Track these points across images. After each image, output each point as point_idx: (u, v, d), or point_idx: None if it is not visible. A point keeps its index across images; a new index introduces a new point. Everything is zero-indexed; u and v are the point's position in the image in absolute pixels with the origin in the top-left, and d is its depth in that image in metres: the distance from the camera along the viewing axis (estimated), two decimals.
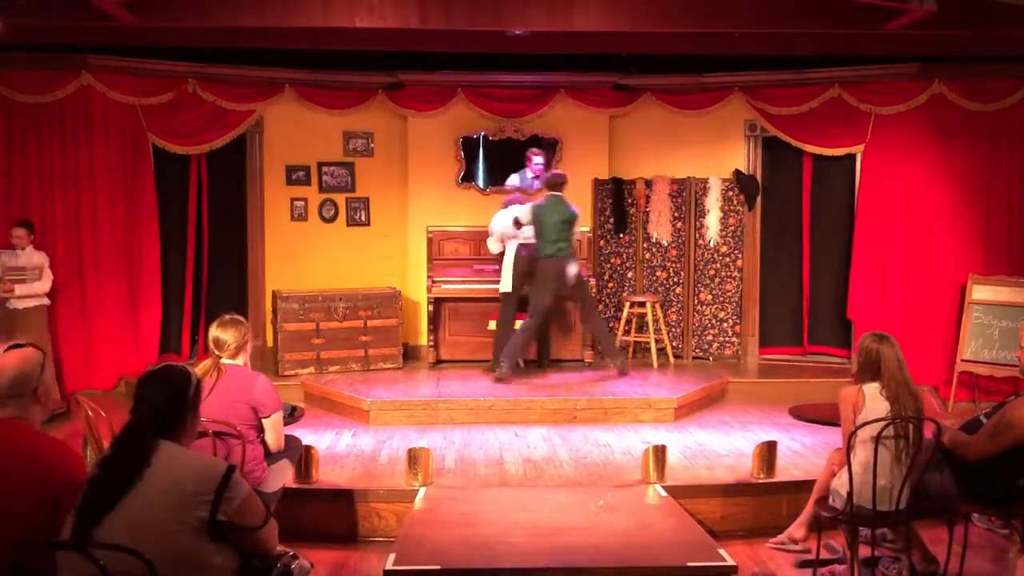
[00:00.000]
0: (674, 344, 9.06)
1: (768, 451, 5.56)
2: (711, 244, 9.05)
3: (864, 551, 4.54)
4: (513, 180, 8.71)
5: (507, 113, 8.96)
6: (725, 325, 9.07)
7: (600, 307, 8.74)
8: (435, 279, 8.52)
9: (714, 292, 9.08)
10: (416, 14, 6.56)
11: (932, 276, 8.22)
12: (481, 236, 8.57)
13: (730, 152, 9.10)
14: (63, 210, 8.01)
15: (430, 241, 8.68)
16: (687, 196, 9.07)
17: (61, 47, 7.71)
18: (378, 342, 8.42)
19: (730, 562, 4.15)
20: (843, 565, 4.60)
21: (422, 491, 5.26)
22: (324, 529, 5.21)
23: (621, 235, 9.19)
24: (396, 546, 4.40)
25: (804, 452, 6.17)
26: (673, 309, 9.16)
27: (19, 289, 7.26)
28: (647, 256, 9.21)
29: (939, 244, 8.22)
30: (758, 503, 5.42)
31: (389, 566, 4.08)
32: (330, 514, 5.27)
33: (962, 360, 7.82)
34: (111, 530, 2.60)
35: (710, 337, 9.11)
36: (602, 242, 9.20)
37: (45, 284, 7.43)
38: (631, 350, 8.93)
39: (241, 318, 4.61)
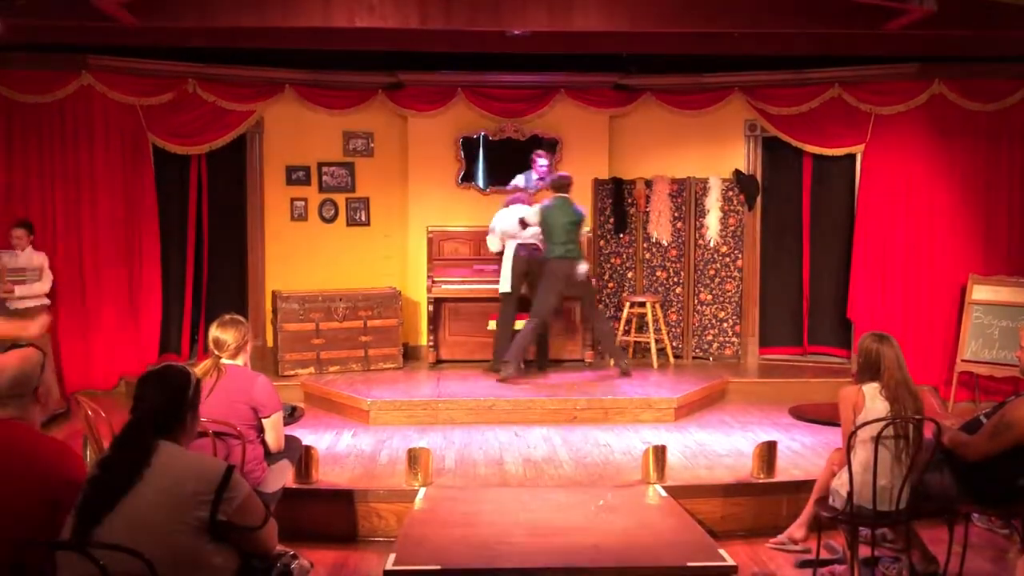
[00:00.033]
0: (674, 344, 9.06)
1: (768, 451, 5.55)
2: (711, 244, 9.05)
3: (864, 551, 4.54)
4: (518, 181, 8.72)
5: (507, 113, 8.96)
6: (725, 325, 9.08)
7: (600, 307, 8.73)
8: (435, 279, 8.52)
9: (714, 292, 9.09)
10: (416, 14, 6.56)
11: (932, 276, 8.22)
12: (481, 236, 8.57)
13: (730, 152, 9.10)
14: (63, 210, 8.01)
15: (430, 241, 8.68)
16: (687, 196, 9.07)
17: (61, 47, 7.71)
18: (378, 342, 8.42)
19: (730, 562, 4.15)
20: (843, 565, 4.60)
21: (422, 491, 5.26)
22: (324, 529, 5.21)
23: (621, 235, 9.19)
24: (396, 546, 4.40)
25: (804, 452, 6.17)
26: (673, 309, 9.16)
27: (19, 290, 7.25)
28: (647, 256, 9.21)
29: (939, 244, 8.22)
30: (758, 503, 5.42)
31: (389, 566, 4.09)
32: (330, 514, 5.27)
33: (962, 360, 7.82)
34: (111, 530, 2.60)
35: (710, 337, 9.11)
36: (602, 242, 9.20)
37: (45, 285, 7.44)
38: (631, 350, 8.93)
39: (241, 318, 4.61)
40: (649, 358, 8.67)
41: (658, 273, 9.19)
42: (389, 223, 9.24)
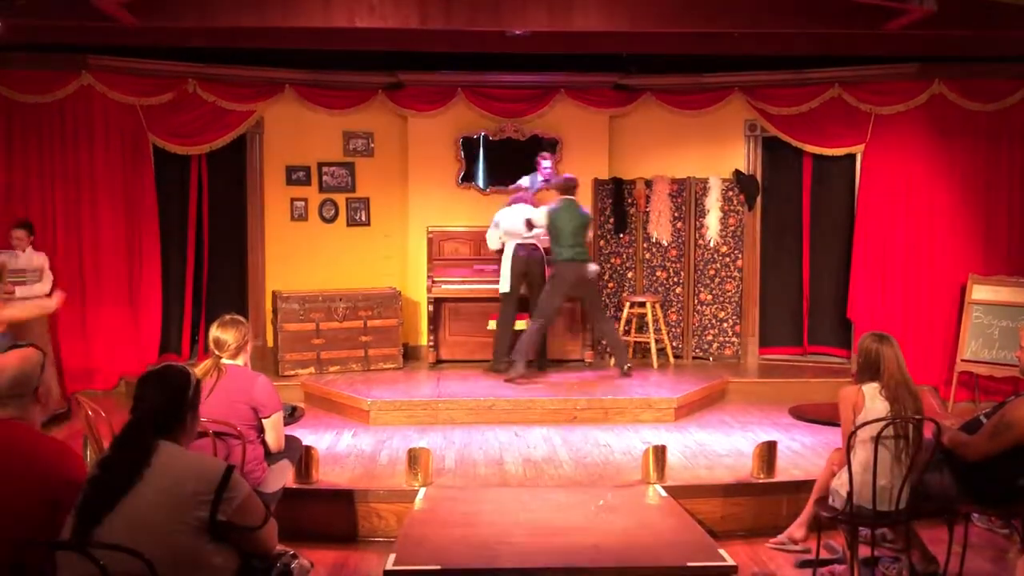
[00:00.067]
0: (674, 344, 9.06)
1: (768, 451, 5.56)
2: (711, 244, 9.05)
3: (864, 551, 4.54)
4: (523, 182, 8.77)
5: (507, 113, 8.96)
6: (725, 325, 9.08)
7: (603, 307, 8.73)
8: (435, 279, 8.52)
9: (714, 292, 9.09)
10: (416, 14, 6.56)
11: (932, 276, 8.22)
12: (481, 236, 8.57)
13: (730, 152, 9.11)
14: (63, 210, 8.01)
15: (430, 241, 8.68)
16: (687, 196, 9.07)
17: (61, 47, 7.71)
18: (378, 342, 8.42)
19: (730, 562, 4.15)
20: (843, 565, 4.60)
21: (422, 491, 5.26)
22: (324, 529, 5.21)
23: (621, 235, 9.19)
24: (396, 546, 4.40)
25: (804, 452, 6.17)
26: (673, 309, 9.16)
27: (20, 291, 7.24)
28: (647, 256, 9.21)
29: (939, 244, 8.22)
30: (758, 503, 5.42)
31: (389, 566, 4.09)
32: (330, 514, 5.27)
33: (962, 360, 7.82)
34: (111, 530, 2.60)
35: (710, 337, 9.11)
36: (602, 242, 9.20)
37: (45, 286, 7.43)
38: (631, 350, 8.92)
39: (241, 318, 4.61)
40: (649, 358, 8.68)
41: (658, 273, 9.19)
42: (389, 223, 9.24)
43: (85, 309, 8.02)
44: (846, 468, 4.24)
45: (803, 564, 4.79)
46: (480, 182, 9.10)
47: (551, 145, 9.05)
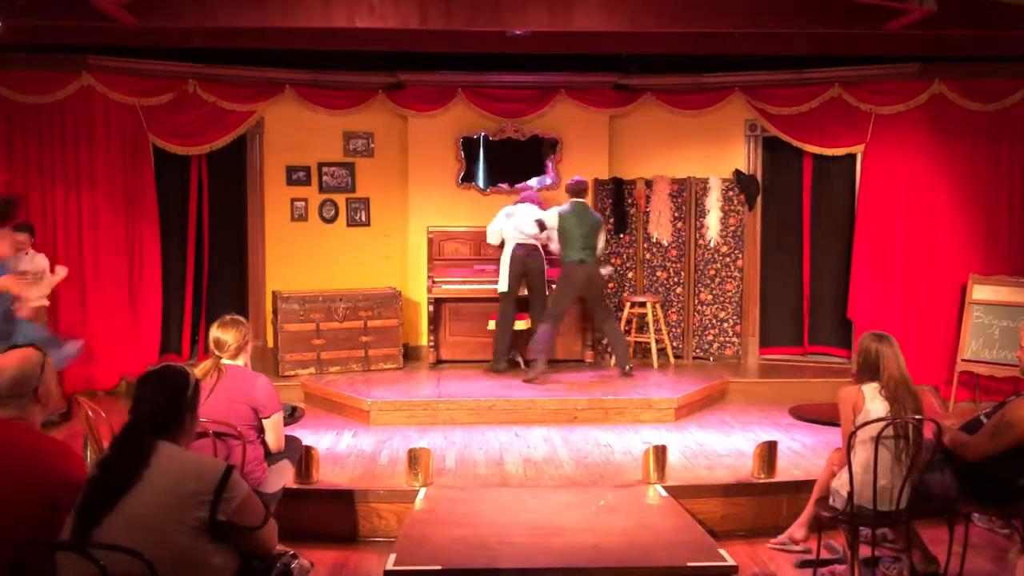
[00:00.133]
0: (674, 344, 9.06)
1: (768, 451, 5.55)
2: (711, 244, 9.05)
3: (864, 551, 4.54)
4: (532, 183, 8.83)
5: (507, 113, 8.96)
6: (725, 325, 9.08)
7: (609, 308, 8.73)
8: (435, 279, 8.52)
9: (714, 292, 9.09)
10: (416, 14, 6.56)
11: (932, 276, 8.22)
12: (481, 236, 8.57)
13: (730, 152, 9.11)
14: (63, 210, 8.01)
15: (430, 241, 8.68)
16: (687, 196, 9.07)
17: (61, 47, 7.70)
18: (378, 342, 8.42)
19: (730, 562, 4.15)
20: (843, 565, 4.60)
21: (422, 491, 5.26)
22: (324, 529, 5.21)
23: (621, 235, 9.19)
24: (396, 546, 4.40)
25: (804, 452, 6.17)
26: (673, 309, 9.16)
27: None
28: (647, 256, 9.21)
29: (939, 244, 8.22)
30: (758, 503, 5.42)
31: (389, 566, 4.09)
32: (330, 514, 5.27)
33: (962, 360, 7.82)
34: (111, 530, 2.60)
35: (710, 337, 9.11)
36: None
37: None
38: (632, 350, 8.92)
39: (241, 319, 4.61)
40: (649, 358, 8.67)
41: (658, 273, 9.19)
42: (389, 223, 9.25)
43: (85, 309, 8.02)
44: (846, 468, 4.23)
45: (803, 564, 4.79)
46: (480, 182, 9.10)
47: (551, 145, 9.06)
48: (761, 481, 5.50)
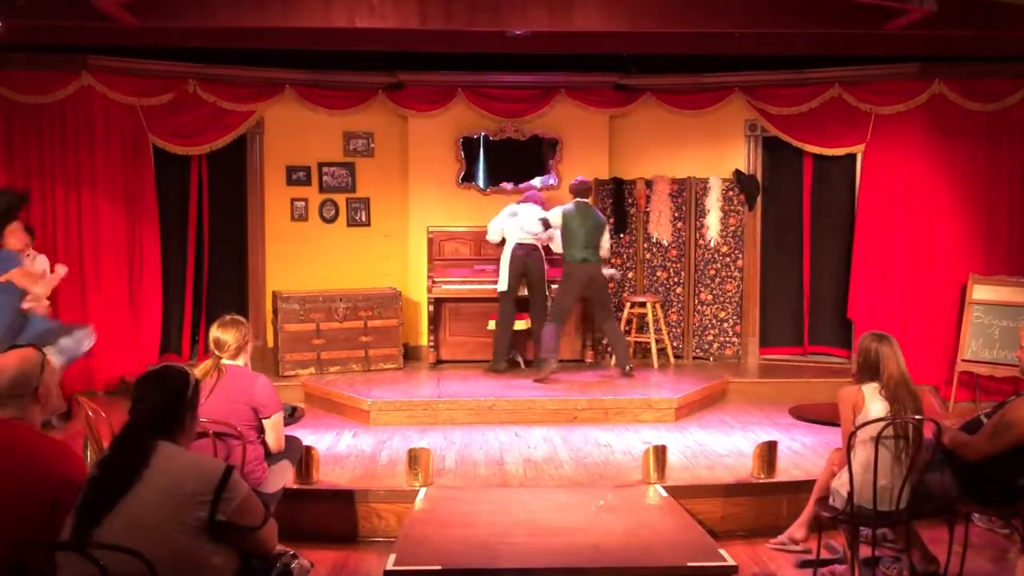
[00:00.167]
0: (674, 344, 9.06)
1: (768, 451, 5.55)
2: (711, 244, 9.04)
3: (865, 551, 4.54)
4: (535, 182, 8.83)
5: (507, 113, 8.96)
6: (725, 325, 9.08)
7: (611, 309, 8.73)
8: (435, 279, 8.52)
9: (714, 292, 9.08)
10: (416, 14, 6.56)
11: (932, 276, 8.22)
12: (481, 236, 8.57)
13: (730, 152, 9.11)
14: (63, 211, 8.01)
15: (430, 241, 8.68)
16: (687, 196, 9.07)
17: (61, 47, 7.70)
18: (378, 342, 8.42)
19: (730, 562, 4.15)
20: (844, 565, 4.60)
21: (422, 491, 5.26)
22: (324, 529, 5.21)
23: (621, 235, 9.19)
24: (396, 546, 4.40)
25: (804, 452, 6.17)
26: (673, 309, 9.16)
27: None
28: (647, 256, 9.21)
29: (939, 244, 8.22)
30: (758, 503, 5.42)
31: (389, 566, 4.09)
32: (330, 514, 5.27)
33: (962, 360, 7.82)
34: (111, 530, 2.60)
35: (710, 337, 9.11)
36: None
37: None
38: (632, 350, 8.92)
39: (241, 319, 4.61)
40: (649, 358, 8.67)
41: (658, 273, 9.19)
42: (389, 223, 9.25)
43: (86, 309, 8.01)
44: (846, 468, 4.23)
45: (804, 564, 4.79)
46: (480, 182, 9.10)
47: (551, 145, 9.06)
48: (761, 481, 5.50)
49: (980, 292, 7.83)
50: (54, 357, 6.53)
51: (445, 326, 8.69)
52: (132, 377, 6.77)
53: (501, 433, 6.79)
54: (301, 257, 9.03)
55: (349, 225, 9.21)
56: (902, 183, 8.31)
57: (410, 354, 8.83)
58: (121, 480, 2.68)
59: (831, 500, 4.40)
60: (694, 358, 9.10)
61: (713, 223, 9.02)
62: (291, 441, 4.88)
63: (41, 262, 7.44)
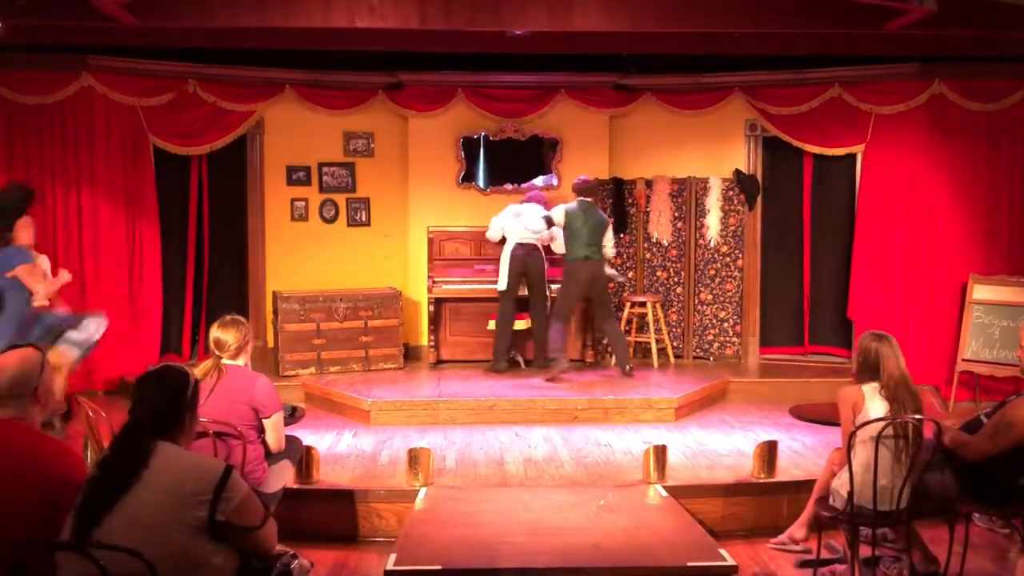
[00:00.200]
0: (675, 344, 9.06)
1: (769, 451, 5.55)
2: (711, 244, 9.04)
3: (865, 551, 4.54)
4: (537, 182, 8.84)
5: (507, 113, 8.96)
6: (726, 325, 9.07)
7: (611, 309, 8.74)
8: (436, 279, 8.52)
9: (714, 292, 9.08)
10: (416, 14, 6.56)
11: (932, 276, 8.22)
12: (482, 236, 8.58)
13: (730, 152, 9.10)
14: (63, 211, 8.01)
15: (431, 241, 8.68)
16: (687, 196, 9.07)
17: (61, 47, 7.70)
18: (379, 342, 8.43)
19: (731, 562, 4.15)
20: (844, 565, 4.60)
21: (423, 491, 5.26)
22: (324, 529, 5.21)
23: (621, 235, 9.18)
24: (397, 546, 4.40)
25: (805, 452, 6.17)
26: (674, 309, 9.16)
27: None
28: (647, 256, 9.21)
29: (939, 244, 8.22)
30: (759, 503, 5.42)
31: (390, 566, 4.09)
32: (330, 514, 5.27)
33: (963, 360, 7.82)
34: (110, 530, 2.61)
35: (711, 337, 9.11)
36: None
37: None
38: (632, 350, 8.92)
39: (242, 319, 4.61)
40: (650, 358, 8.67)
41: (658, 273, 9.19)
42: (390, 223, 9.25)
43: (86, 310, 8.00)
44: (846, 468, 4.23)
45: (804, 564, 4.79)
46: (480, 182, 9.10)
47: (552, 145, 9.06)
48: (761, 481, 5.50)
49: (980, 292, 7.83)
50: (70, 351, 6.53)
51: (445, 326, 8.69)
52: (132, 377, 6.77)
53: (501, 433, 6.79)
54: (301, 257, 9.03)
55: (349, 225, 9.21)
56: (902, 183, 8.31)
57: (410, 354, 8.83)
58: (121, 480, 2.68)
59: (831, 500, 4.40)
60: (694, 358, 9.10)
61: (713, 223, 9.02)
62: (291, 441, 4.89)
63: (43, 263, 7.44)
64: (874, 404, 4.23)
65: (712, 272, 9.08)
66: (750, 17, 6.83)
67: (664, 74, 8.92)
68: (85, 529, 2.62)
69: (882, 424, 4.11)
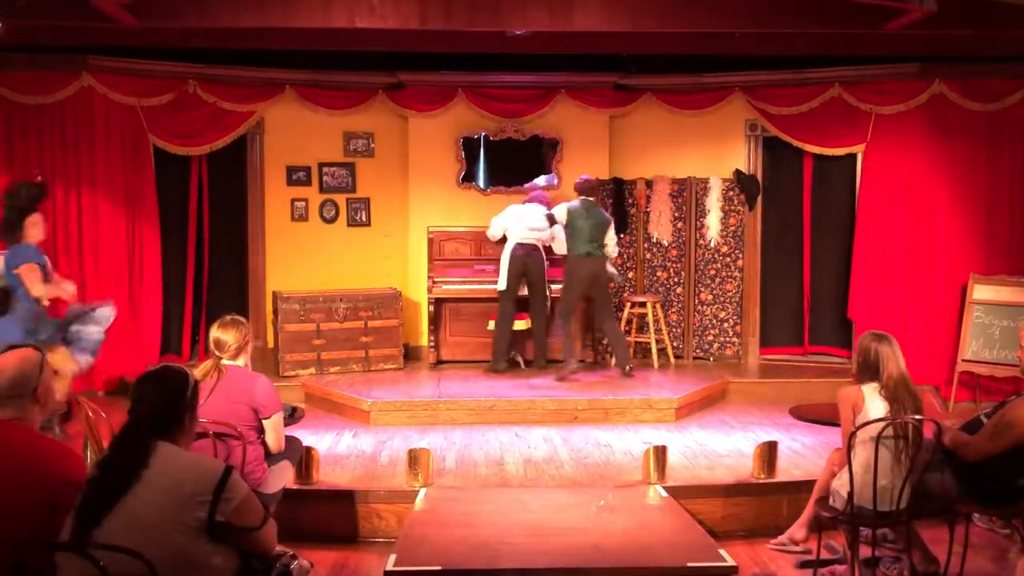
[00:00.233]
0: (675, 344, 9.05)
1: (769, 451, 5.55)
2: (712, 244, 9.04)
3: (865, 551, 4.54)
4: (539, 181, 8.85)
5: (507, 113, 8.96)
6: (726, 325, 9.07)
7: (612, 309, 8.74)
8: (436, 279, 8.52)
9: (715, 292, 9.08)
10: (416, 15, 6.56)
11: (933, 276, 8.22)
12: (482, 236, 8.58)
13: (730, 152, 9.10)
14: (63, 211, 8.00)
15: (431, 241, 8.68)
16: (687, 196, 9.07)
17: (61, 48, 7.70)
18: (379, 343, 8.43)
19: (731, 562, 4.15)
20: (844, 565, 4.60)
21: (422, 492, 5.26)
22: (324, 530, 5.21)
23: (621, 235, 9.16)
24: (396, 547, 4.40)
25: (805, 452, 6.17)
26: (674, 309, 9.16)
27: None
28: (647, 256, 9.21)
29: (940, 244, 8.21)
30: (759, 503, 5.42)
31: (390, 567, 4.09)
32: (330, 515, 5.27)
33: (963, 360, 7.81)
34: (110, 531, 2.61)
35: (711, 337, 9.11)
36: None
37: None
38: (632, 350, 8.91)
39: (242, 319, 4.61)
40: (650, 358, 8.67)
41: (659, 273, 9.19)
42: (390, 223, 9.25)
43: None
44: (846, 468, 4.23)
45: (804, 564, 4.78)
46: (480, 182, 9.10)
47: (552, 145, 9.06)
48: (761, 481, 5.50)
49: (980, 292, 7.82)
50: (80, 357, 6.49)
51: (445, 326, 8.69)
52: (132, 377, 6.77)
53: (501, 433, 6.79)
54: (301, 257, 9.03)
55: (349, 225, 9.21)
56: (902, 183, 8.31)
57: (410, 354, 8.83)
58: (120, 480, 2.68)
59: (831, 500, 4.40)
60: (694, 358, 9.10)
61: (713, 223, 9.02)
62: (291, 441, 4.89)
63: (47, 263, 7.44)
64: (874, 404, 4.23)
65: (712, 272, 9.08)
66: (750, 17, 6.83)
67: (664, 74, 8.92)
68: (85, 529, 2.62)
69: (882, 424, 4.11)
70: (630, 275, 9.23)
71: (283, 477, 4.64)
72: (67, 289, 6.76)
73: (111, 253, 8.14)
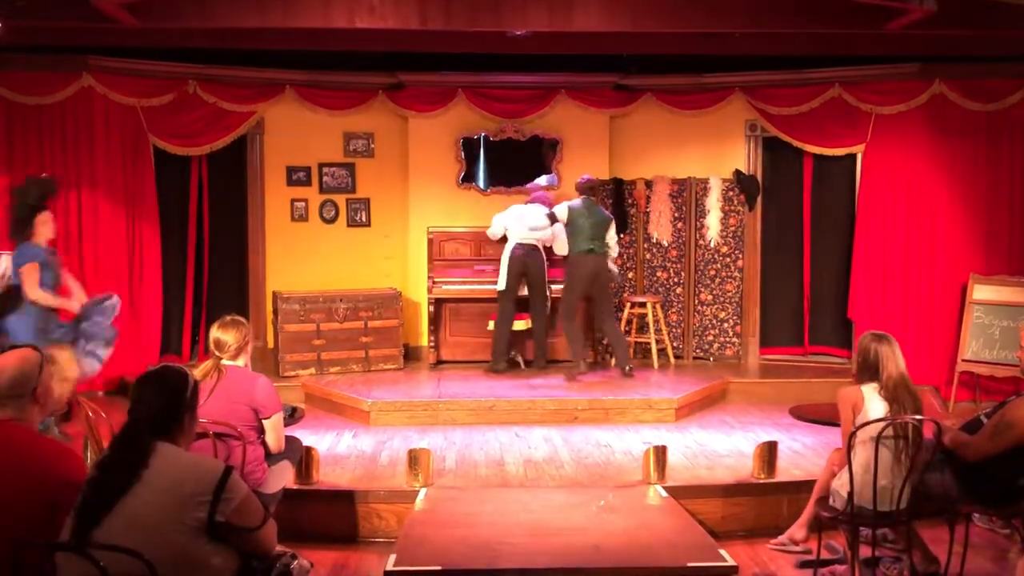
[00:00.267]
0: (675, 344, 9.05)
1: (769, 451, 5.55)
2: (711, 244, 9.04)
3: (865, 551, 4.54)
4: (540, 181, 8.86)
5: (507, 114, 8.96)
6: (726, 325, 9.07)
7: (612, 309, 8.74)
8: (436, 280, 8.52)
9: (715, 292, 9.08)
10: (416, 15, 6.56)
11: (933, 276, 8.22)
12: (482, 236, 8.58)
13: (730, 152, 9.10)
14: (63, 211, 7.99)
15: (431, 242, 8.68)
16: (687, 196, 9.07)
17: (61, 48, 7.70)
18: (379, 343, 8.43)
19: (731, 562, 4.14)
20: (844, 565, 4.60)
21: (422, 492, 5.26)
22: (324, 530, 5.21)
23: (621, 235, 9.16)
24: (397, 547, 4.40)
25: (805, 452, 6.17)
26: (674, 309, 9.16)
27: None
28: (647, 256, 9.21)
29: (940, 244, 8.22)
30: (759, 503, 5.42)
31: (390, 567, 4.09)
32: (330, 515, 5.27)
33: (963, 360, 7.81)
34: (110, 531, 2.60)
35: (711, 337, 9.11)
36: None
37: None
38: (632, 351, 8.91)
39: (242, 319, 4.61)
40: (650, 358, 8.67)
41: (659, 273, 9.19)
42: (390, 224, 9.25)
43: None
44: (846, 468, 4.23)
45: (804, 564, 4.78)
46: (480, 182, 9.10)
47: (552, 145, 9.06)
48: (761, 481, 5.50)
49: (980, 292, 7.82)
50: (90, 362, 6.47)
51: (445, 326, 8.69)
52: (132, 377, 6.77)
53: (501, 433, 6.78)
54: (301, 257, 9.03)
55: (349, 225, 9.21)
56: (902, 183, 8.31)
57: (410, 354, 8.83)
58: (120, 481, 2.68)
59: (831, 500, 4.40)
60: (694, 358, 9.10)
61: (713, 223, 9.02)
62: (291, 442, 4.89)
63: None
64: (874, 404, 4.23)
65: (712, 272, 9.08)
66: (750, 17, 6.83)
67: (664, 74, 8.92)
68: (85, 529, 2.62)
69: (882, 424, 4.11)
70: (630, 275, 9.24)
71: (283, 477, 4.64)
72: (71, 304, 6.67)
73: (111, 253, 8.15)
